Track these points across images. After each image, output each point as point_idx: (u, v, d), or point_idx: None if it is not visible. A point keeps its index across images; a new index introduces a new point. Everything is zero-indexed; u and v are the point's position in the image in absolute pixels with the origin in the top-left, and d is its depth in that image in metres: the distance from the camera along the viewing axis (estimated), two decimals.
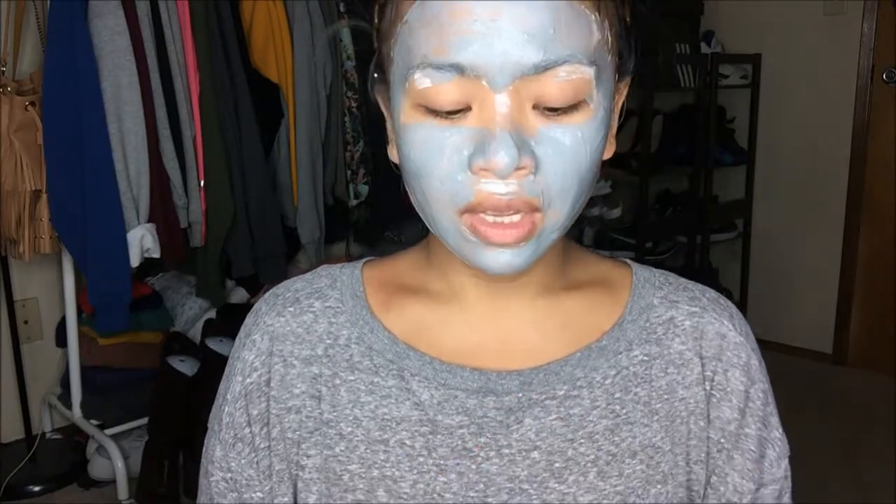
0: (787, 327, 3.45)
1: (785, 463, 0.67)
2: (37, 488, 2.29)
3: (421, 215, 0.60)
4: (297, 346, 0.65)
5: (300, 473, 0.64)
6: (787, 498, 0.67)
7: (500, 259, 0.55)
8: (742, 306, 3.52)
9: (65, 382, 2.37)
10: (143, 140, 2.03)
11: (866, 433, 2.74)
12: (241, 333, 0.68)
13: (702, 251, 3.34)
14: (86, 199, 1.99)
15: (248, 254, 2.29)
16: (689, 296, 0.67)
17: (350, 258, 2.80)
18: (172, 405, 2.25)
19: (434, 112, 0.54)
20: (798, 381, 3.14)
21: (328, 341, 0.65)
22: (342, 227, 2.68)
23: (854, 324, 3.34)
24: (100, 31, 1.96)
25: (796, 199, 3.42)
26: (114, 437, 2.25)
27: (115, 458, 2.18)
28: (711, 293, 0.68)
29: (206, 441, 0.69)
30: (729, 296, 3.35)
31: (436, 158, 0.54)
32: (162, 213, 2.10)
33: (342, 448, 0.62)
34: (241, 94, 2.22)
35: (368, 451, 0.62)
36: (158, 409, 2.26)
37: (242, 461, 0.65)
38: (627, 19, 0.58)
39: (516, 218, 0.54)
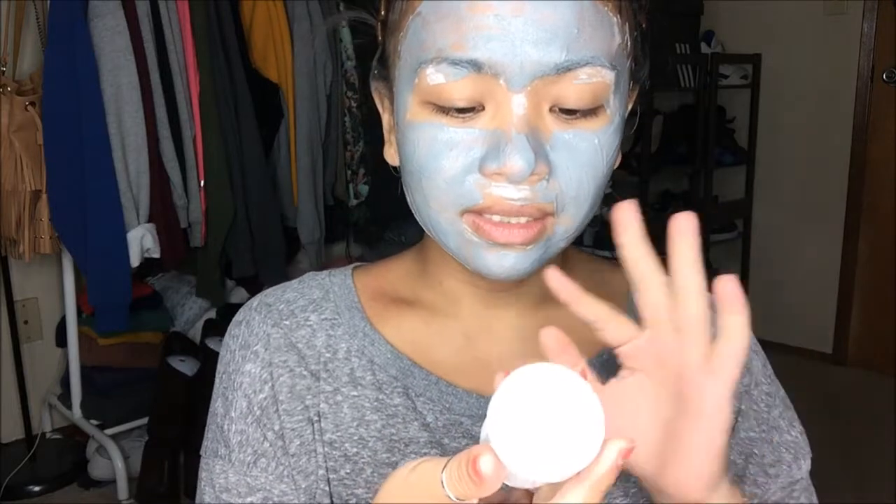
0: (787, 327, 3.45)
1: (805, 464, 0.65)
2: (37, 488, 2.29)
3: (418, 218, 0.57)
4: (299, 360, 0.60)
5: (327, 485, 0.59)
6: (804, 498, 0.65)
7: (504, 262, 0.52)
8: None
9: (65, 382, 2.37)
10: (143, 140, 2.03)
11: (866, 433, 2.74)
12: (235, 345, 0.63)
13: (702, 251, 3.33)
14: (86, 199, 1.99)
15: (248, 254, 2.29)
16: None
17: (350, 258, 2.80)
18: (172, 405, 2.25)
19: (444, 110, 0.51)
20: (798, 381, 3.12)
21: (327, 355, 0.60)
22: (342, 227, 2.68)
23: (854, 324, 3.34)
24: (100, 31, 1.96)
25: (796, 199, 3.41)
26: (114, 437, 2.25)
27: (115, 458, 2.18)
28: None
29: (206, 469, 0.61)
30: None
31: (442, 158, 0.51)
32: (162, 213, 2.10)
33: (347, 471, 0.58)
34: (241, 94, 2.22)
35: (375, 474, 0.58)
36: (158, 409, 2.26)
37: (270, 477, 0.59)
38: (644, 24, 0.56)
39: (524, 220, 0.52)
